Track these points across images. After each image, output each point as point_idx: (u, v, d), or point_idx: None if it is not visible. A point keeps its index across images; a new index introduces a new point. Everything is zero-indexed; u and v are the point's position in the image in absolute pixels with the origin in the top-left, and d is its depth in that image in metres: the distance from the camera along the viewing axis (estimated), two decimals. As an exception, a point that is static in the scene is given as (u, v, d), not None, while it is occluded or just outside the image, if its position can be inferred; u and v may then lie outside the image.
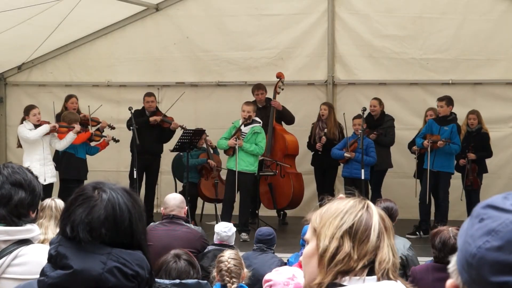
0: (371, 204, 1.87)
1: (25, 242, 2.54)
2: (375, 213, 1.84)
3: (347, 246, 1.78)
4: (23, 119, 9.47)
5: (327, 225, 1.82)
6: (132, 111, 10.11)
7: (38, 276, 1.94)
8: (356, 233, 1.79)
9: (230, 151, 9.59)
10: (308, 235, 1.89)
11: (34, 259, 2.46)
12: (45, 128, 9.34)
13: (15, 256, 2.47)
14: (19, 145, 9.61)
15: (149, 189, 10.54)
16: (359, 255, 1.78)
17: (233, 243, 6.17)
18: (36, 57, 12.07)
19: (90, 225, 1.86)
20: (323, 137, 10.18)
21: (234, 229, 6.28)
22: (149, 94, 10.55)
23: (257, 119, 9.79)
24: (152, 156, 10.34)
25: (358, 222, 1.80)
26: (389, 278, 1.80)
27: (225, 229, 6.14)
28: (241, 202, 9.59)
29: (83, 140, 9.75)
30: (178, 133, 10.40)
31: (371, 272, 1.79)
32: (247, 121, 9.58)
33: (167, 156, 11.00)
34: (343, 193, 1.98)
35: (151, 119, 10.30)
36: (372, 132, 10.10)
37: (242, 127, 9.62)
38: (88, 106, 10.32)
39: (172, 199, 6.34)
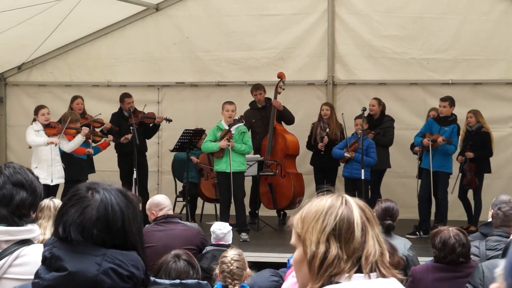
0: (348, 197, 1.85)
1: (26, 242, 2.54)
2: (355, 206, 1.82)
3: (334, 248, 1.76)
4: (34, 120, 9.49)
5: (310, 230, 1.80)
6: (132, 110, 10.14)
7: None
8: (340, 233, 1.77)
9: (220, 153, 9.41)
10: (294, 240, 1.87)
11: (35, 259, 2.43)
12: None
13: (16, 256, 2.48)
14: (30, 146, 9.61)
15: (142, 188, 10.41)
16: (348, 254, 1.77)
17: (230, 242, 6.14)
18: (36, 57, 12.07)
19: (81, 225, 1.85)
20: (326, 137, 10.16)
21: (230, 227, 6.26)
22: (128, 95, 10.40)
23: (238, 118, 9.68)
24: (139, 155, 10.24)
25: (340, 221, 1.78)
26: (380, 272, 1.78)
27: (220, 227, 6.13)
28: (236, 202, 9.47)
29: (81, 152, 9.72)
30: (165, 127, 10.31)
31: (361, 270, 1.78)
32: (236, 121, 9.50)
33: (168, 156, 10.98)
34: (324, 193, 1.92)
35: (124, 138, 10.08)
36: (370, 131, 10.09)
37: (228, 128, 9.50)
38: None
39: (165, 199, 6.34)
